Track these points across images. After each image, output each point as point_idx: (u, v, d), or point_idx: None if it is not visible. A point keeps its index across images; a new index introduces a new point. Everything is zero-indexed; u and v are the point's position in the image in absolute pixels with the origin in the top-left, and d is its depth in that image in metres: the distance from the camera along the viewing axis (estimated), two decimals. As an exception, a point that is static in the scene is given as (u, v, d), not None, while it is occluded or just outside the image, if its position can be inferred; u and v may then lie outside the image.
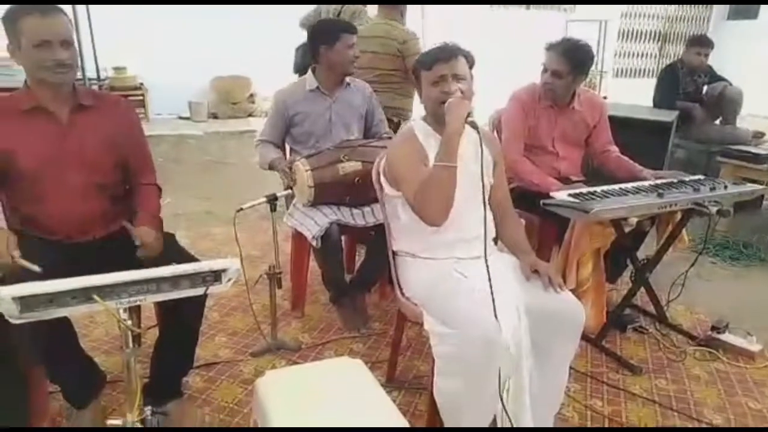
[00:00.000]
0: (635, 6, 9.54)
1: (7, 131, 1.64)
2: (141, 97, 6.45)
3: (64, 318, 1.48)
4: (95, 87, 5.74)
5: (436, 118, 1.79)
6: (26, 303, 1.12)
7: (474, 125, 1.67)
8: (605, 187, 2.27)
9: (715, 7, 9.94)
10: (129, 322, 1.29)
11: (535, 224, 2.64)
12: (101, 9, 5.28)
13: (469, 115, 1.66)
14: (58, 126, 1.70)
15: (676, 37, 10.24)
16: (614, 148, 2.66)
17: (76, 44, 1.71)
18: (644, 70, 10.30)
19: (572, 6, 9.64)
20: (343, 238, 2.47)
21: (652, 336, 2.55)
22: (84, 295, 1.17)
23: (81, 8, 5.16)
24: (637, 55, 10.10)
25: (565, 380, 1.79)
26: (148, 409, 1.43)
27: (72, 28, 1.69)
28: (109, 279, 1.20)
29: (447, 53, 1.75)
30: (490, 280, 1.56)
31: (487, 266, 1.57)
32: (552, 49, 2.44)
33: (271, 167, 2.53)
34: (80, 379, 1.76)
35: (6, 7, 1.64)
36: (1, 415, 1.57)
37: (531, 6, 9.23)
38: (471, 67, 1.81)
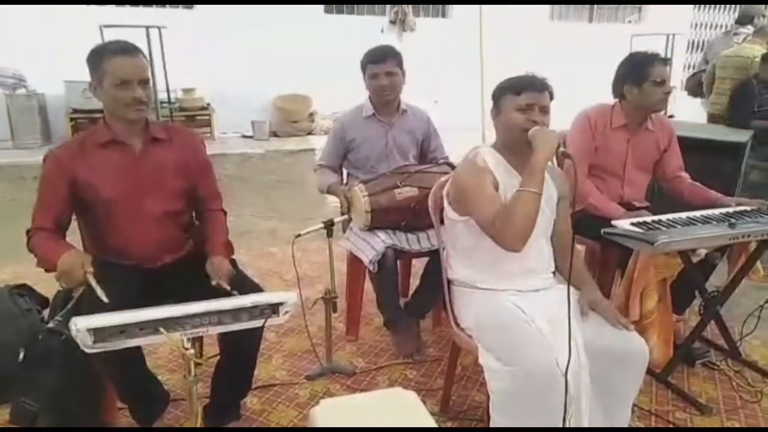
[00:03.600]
0: (706, 16, 9.14)
1: (87, 164, 1.76)
2: (207, 117, 6.75)
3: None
4: (166, 109, 6.05)
5: (512, 144, 1.77)
6: (99, 334, 1.19)
7: (567, 155, 1.66)
8: (671, 216, 2.17)
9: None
10: (191, 352, 1.34)
11: (596, 251, 2.56)
12: (171, 31, 5.55)
13: (559, 146, 1.65)
14: (132, 157, 1.81)
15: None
16: (685, 175, 2.54)
17: (151, 83, 1.83)
18: (716, 83, 9.80)
19: (637, 17, 9.33)
20: (398, 262, 2.48)
21: (724, 373, 2.40)
22: (151, 326, 1.24)
23: (153, 32, 5.46)
24: (708, 67, 9.65)
25: (628, 419, 1.72)
26: (208, 433, 1.49)
27: (148, 66, 1.80)
28: (174, 312, 1.26)
29: (538, 84, 1.74)
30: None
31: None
32: (662, 60, 2.39)
33: (329, 191, 2.60)
34: (146, 399, 1.84)
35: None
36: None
37: (593, 20, 9.03)
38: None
